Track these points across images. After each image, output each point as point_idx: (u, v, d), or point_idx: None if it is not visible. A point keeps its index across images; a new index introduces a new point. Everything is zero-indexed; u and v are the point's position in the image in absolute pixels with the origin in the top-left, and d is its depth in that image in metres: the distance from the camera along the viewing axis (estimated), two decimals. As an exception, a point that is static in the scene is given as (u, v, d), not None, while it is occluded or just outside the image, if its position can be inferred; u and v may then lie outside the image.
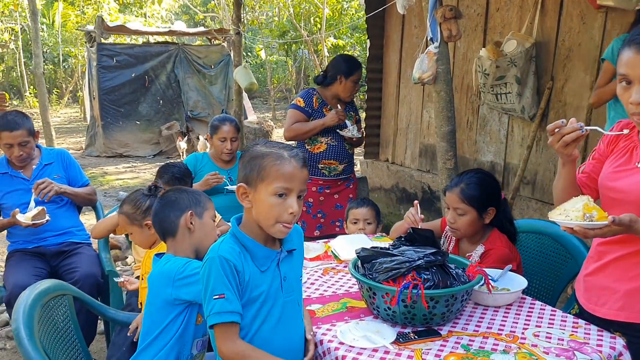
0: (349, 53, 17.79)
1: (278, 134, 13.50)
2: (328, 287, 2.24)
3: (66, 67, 22.89)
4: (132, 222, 2.62)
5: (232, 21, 5.72)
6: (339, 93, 3.98)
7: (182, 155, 10.43)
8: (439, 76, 3.28)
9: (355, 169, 4.36)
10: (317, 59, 16.23)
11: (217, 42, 12.10)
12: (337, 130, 3.94)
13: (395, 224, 2.82)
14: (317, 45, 16.76)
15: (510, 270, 2.21)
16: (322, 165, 4.01)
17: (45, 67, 22.80)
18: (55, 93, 22.48)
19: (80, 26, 15.84)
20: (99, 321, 3.35)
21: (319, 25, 15.90)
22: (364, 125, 6.52)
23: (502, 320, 1.92)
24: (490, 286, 1.98)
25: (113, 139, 11.13)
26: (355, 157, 4.34)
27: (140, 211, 2.63)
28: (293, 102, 4.07)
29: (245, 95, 11.93)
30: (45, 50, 22.58)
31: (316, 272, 2.37)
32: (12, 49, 20.85)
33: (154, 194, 2.67)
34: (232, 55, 11.62)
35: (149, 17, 19.39)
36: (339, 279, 2.33)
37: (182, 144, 10.39)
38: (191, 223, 2.13)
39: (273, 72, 22.02)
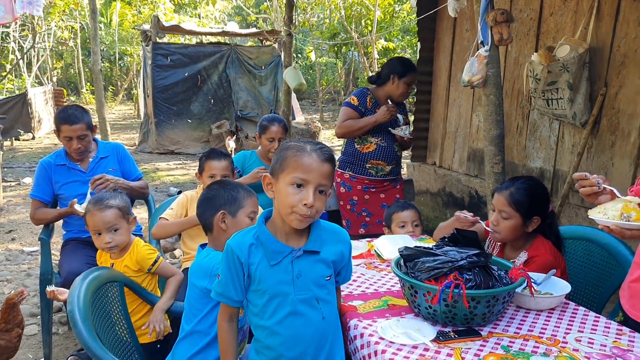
0: (399, 55, 17.73)
1: (325, 135, 13.58)
2: (370, 284, 2.27)
3: (122, 65, 23.58)
4: (124, 216, 2.66)
5: (283, 22, 5.81)
6: (391, 93, 4.00)
7: (231, 154, 10.60)
8: (489, 80, 3.27)
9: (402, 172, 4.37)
10: (366, 61, 16.24)
11: (268, 43, 12.27)
12: (390, 129, 3.97)
13: (440, 224, 2.83)
14: (368, 48, 16.77)
15: (554, 276, 2.19)
16: (369, 165, 4.04)
17: (102, 64, 23.54)
18: (111, 90, 23.20)
19: (137, 25, 16.28)
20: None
21: (370, 28, 15.89)
22: (412, 128, 6.51)
23: (543, 324, 1.91)
24: (532, 289, 1.97)
25: (165, 136, 11.42)
26: (402, 160, 4.35)
27: (129, 206, 2.74)
28: (347, 99, 4.13)
29: (293, 95, 12.06)
30: (102, 48, 23.33)
31: (359, 269, 2.40)
32: (71, 46, 21.60)
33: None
34: (282, 56, 11.77)
35: (202, 17, 19.78)
36: (381, 277, 2.36)
37: (231, 143, 10.54)
38: (223, 222, 2.19)
39: (322, 74, 22.13)
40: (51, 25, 17.34)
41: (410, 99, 13.63)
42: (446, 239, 2.08)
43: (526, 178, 2.49)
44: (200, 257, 2.16)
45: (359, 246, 2.57)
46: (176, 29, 11.48)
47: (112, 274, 2.39)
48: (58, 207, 3.65)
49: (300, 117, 12.16)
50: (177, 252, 5.25)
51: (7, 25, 14.99)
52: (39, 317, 3.99)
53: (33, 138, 13.46)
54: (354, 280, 2.28)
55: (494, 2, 3.28)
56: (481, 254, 1.91)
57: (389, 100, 3.99)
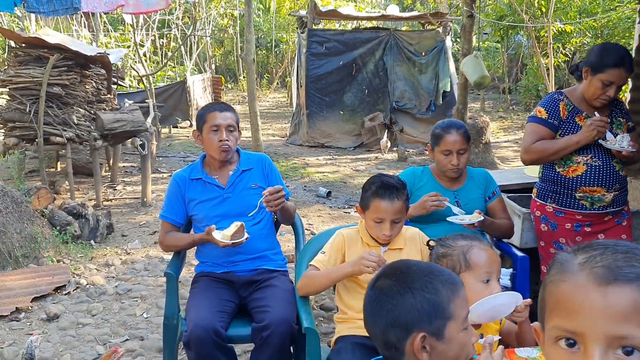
0: (576, 41, 15.71)
1: (490, 129, 12.25)
2: None
3: (277, 52, 23.63)
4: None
5: (463, 1, 4.80)
6: (584, 93, 2.90)
7: (384, 152, 9.66)
8: None
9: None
10: (538, 47, 14.52)
11: (430, 27, 11.19)
12: (600, 141, 2.85)
13: None
14: (540, 31, 15.01)
15: None
16: (580, 195, 2.93)
17: (259, 52, 23.79)
18: (266, 78, 23.38)
19: (293, 12, 15.95)
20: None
21: (543, 9, 14.16)
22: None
23: None
24: None
25: (316, 129, 10.84)
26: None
27: None
28: (533, 113, 3.06)
29: (455, 86, 10.89)
30: (259, 35, 23.54)
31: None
32: (231, 34, 21.95)
33: None
34: (445, 41, 10.63)
35: (359, 1, 19.03)
36: None
37: (387, 142, 9.58)
38: (424, 348, 1.28)
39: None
40: (211, 12, 17.56)
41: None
42: None
43: None
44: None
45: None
46: (333, 14, 10.79)
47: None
48: (192, 231, 3.04)
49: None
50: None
51: (165, 11, 15.35)
52: None
53: (190, 126, 13.59)
54: None
55: None
56: None
57: (596, 113, 2.86)
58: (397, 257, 2.44)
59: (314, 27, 10.48)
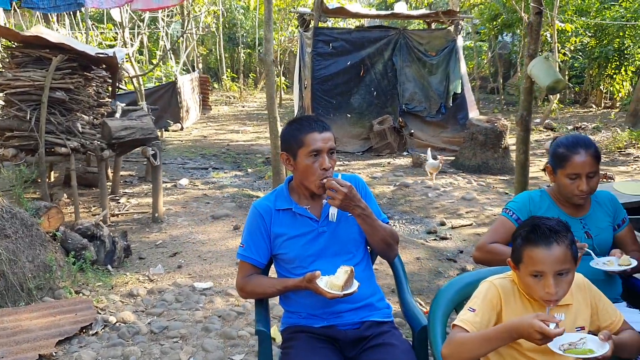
0: (575, 40, 15.45)
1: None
2: None
3: (260, 51, 22.99)
4: None
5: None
6: None
7: (432, 177, 8.01)
8: None
9: None
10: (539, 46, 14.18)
11: (437, 25, 10.77)
12: None
13: None
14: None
15: None
16: None
17: (243, 50, 23.09)
18: (251, 78, 22.74)
19: (292, 9, 15.33)
20: None
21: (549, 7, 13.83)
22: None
23: None
24: None
25: (322, 132, 10.29)
26: None
27: None
28: None
29: (468, 86, 10.47)
30: (241, 34, 22.86)
31: None
32: (213, 32, 21.19)
33: None
34: (457, 40, 10.21)
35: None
36: None
37: (434, 162, 7.82)
38: None
39: (467, 59, 20.24)
40: (200, 10, 16.88)
41: None
42: None
43: None
44: None
45: None
46: (341, 12, 10.25)
47: None
48: (273, 275, 2.49)
49: (475, 112, 10.54)
50: None
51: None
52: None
53: (182, 129, 12.94)
54: None
55: None
56: None
57: None
58: (565, 315, 1.95)
59: (320, 25, 9.91)
